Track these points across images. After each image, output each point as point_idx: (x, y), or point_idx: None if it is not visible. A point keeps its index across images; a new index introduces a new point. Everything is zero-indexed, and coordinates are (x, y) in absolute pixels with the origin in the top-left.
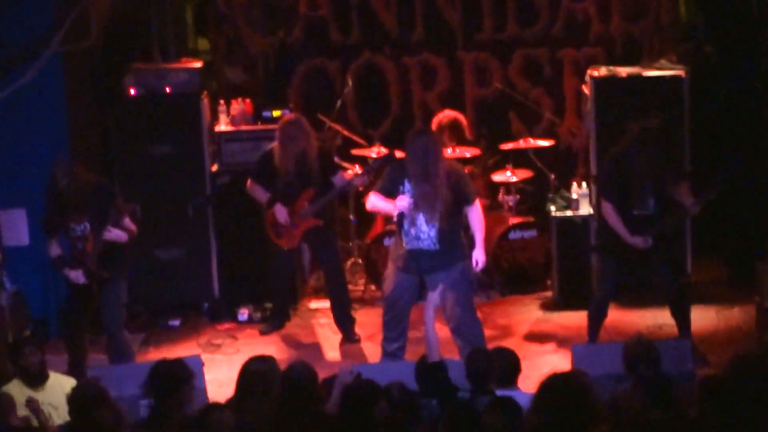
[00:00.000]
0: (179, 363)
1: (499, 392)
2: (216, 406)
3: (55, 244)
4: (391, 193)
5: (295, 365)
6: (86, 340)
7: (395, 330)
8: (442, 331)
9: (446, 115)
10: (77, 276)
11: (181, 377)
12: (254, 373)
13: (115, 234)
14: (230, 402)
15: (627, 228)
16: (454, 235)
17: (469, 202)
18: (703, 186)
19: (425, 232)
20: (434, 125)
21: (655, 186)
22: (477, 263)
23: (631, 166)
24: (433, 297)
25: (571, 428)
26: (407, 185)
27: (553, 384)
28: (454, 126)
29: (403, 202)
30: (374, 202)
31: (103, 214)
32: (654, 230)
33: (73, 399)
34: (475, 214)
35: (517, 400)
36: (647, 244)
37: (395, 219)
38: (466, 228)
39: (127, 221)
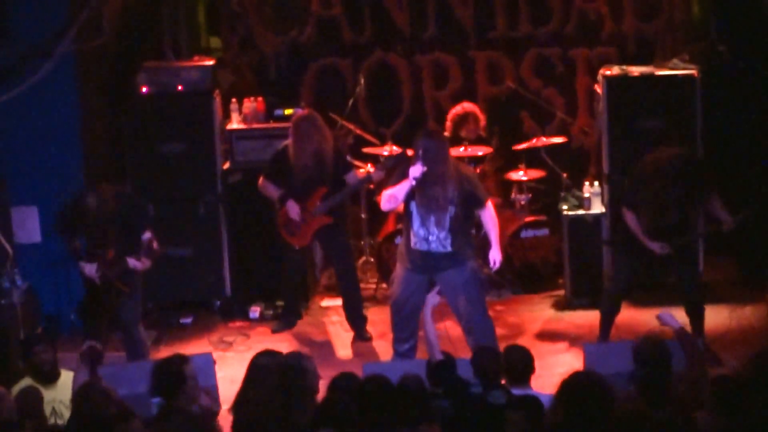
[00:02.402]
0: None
1: (512, 391)
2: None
3: (75, 239)
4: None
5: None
6: (106, 333)
7: (405, 331)
8: (454, 329)
9: (464, 107)
10: (90, 270)
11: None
12: (261, 366)
13: (140, 265)
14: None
15: (647, 235)
16: (464, 237)
17: (481, 204)
18: (737, 205)
19: (435, 233)
20: (450, 117)
21: (678, 198)
22: (494, 263)
23: (655, 185)
24: (430, 298)
25: (591, 427)
26: (416, 186)
27: (575, 382)
28: (472, 118)
29: (417, 171)
30: (387, 194)
31: (130, 227)
32: (675, 241)
33: (76, 401)
34: (489, 215)
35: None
36: (664, 251)
37: (404, 217)
38: (478, 227)
39: (149, 236)
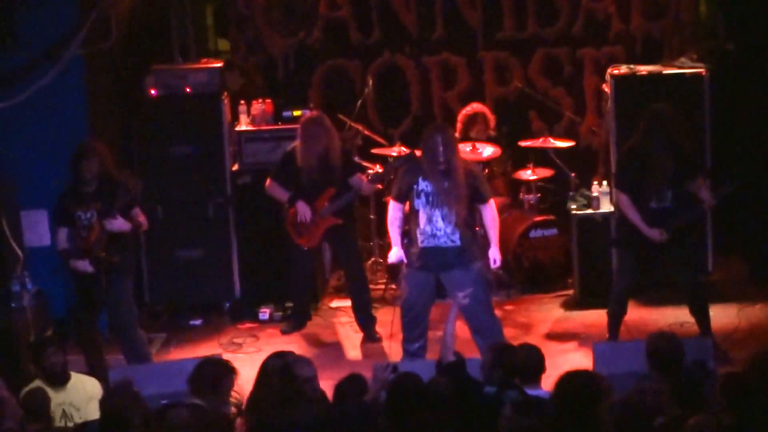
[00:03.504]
0: (220, 362)
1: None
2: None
3: (63, 236)
4: (406, 196)
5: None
6: (100, 337)
7: (415, 331)
8: (462, 330)
9: (474, 107)
10: (84, 266)
11: (222, 375)
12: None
13: (118, 224)
14: (250, 398)
15: (645, 221)
16: (471, 232)
17: (484, 200)
18: (720, 182)
19: (441, 228)
20: (461, 118)
21: (673, 178)
22: (494, 262)
23: (647, 154)
24: (460, 299)
25: (583, 425)
26: (422, 184)
27: (567, 382)
28: (481, 118)
29: (394, 256)
30: (391, 219)
31: (110, 203)
32: (671, 223)
33: (106, 402)
34: (490, 213)
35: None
36: (663, 237)
37: (410, 216)
38: (480, 226)
39: (136, 211)
